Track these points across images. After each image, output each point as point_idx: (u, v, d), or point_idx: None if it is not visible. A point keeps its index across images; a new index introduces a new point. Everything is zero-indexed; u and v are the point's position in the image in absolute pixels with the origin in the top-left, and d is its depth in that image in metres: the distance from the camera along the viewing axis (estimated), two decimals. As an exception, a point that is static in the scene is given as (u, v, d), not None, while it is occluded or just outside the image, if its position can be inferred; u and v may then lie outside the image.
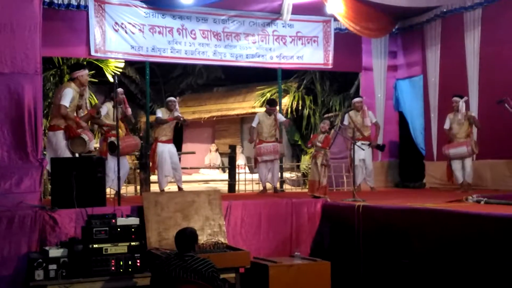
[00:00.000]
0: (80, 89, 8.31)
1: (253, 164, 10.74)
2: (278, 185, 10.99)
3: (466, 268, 6.06)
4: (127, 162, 9.51)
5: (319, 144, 9.14)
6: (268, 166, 10.42)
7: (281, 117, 10.68)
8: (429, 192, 10.84)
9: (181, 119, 9.92)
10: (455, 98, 10.12)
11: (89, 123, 8.76)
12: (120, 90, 9.20)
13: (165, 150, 9.69)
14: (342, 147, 11.55)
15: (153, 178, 10.85)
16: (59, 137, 8.07)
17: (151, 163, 9.84)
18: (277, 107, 10.96)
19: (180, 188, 9.86)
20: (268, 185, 10.61)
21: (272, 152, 10.35)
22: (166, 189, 9.91)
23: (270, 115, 10.45)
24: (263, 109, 11.66)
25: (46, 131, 8.85)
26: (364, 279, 7.52)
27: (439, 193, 10.00)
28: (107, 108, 9.03)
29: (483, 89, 10.68)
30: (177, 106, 9.94)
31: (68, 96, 8.00)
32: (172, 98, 9.98)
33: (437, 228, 6.51)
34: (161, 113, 9.80)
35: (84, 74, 8.37)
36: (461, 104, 10.02)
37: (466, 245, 6.07)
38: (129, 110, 9.44)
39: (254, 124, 10.48)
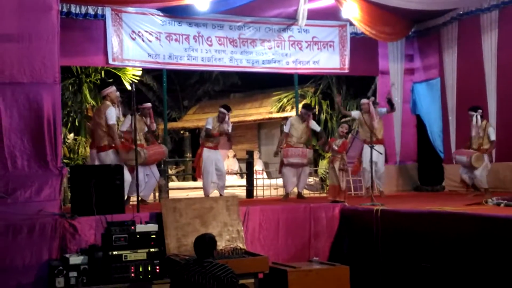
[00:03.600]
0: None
1: (278, 169, 10.33)
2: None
3: (487, 272, 6.01)
4: (157, 170, 9.48)
5: (336, 148, 9.14)
6: (294, 171, 10.03)
7: (316, 127, 10.37)
8: (449, 195, 10.75)
9: (227, 132, 9.73)
10: (470, 112, 9.75)
11: None
12: (148, 105, 9.25)
13: (211, 156, 9.64)
14: (359, 151, 11.49)
15: (173, 184, 10.89)
16: (111, 156, 8.47)
17: (196, 169, 9.82)
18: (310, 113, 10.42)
19: (221, 195, 9.63)
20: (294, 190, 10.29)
21: (300, 155, 9.98)
22: (185, 195, 9.94)
23: (304, 121, 10.14)
24: (280, 114, 11.60)
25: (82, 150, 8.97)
26: (383, 283, 7.48)
27: (459, 196, 9.92)
28: (130, 121, 8.98)
29: (501, 90, 10.58)
30: (226, 118, 9.67)
31: (113, 113, 8.47)
32: (223, 110, 9.68)
33: (456, 232, 6.46)
34: (211, 122, 9.71)
35: (112, 91, 8.79)
36: (474, 119, 9.65)
37: (486, 249, 6.02)
38: (154, 125, 9.45)
39: (286, 130, 10.16)
